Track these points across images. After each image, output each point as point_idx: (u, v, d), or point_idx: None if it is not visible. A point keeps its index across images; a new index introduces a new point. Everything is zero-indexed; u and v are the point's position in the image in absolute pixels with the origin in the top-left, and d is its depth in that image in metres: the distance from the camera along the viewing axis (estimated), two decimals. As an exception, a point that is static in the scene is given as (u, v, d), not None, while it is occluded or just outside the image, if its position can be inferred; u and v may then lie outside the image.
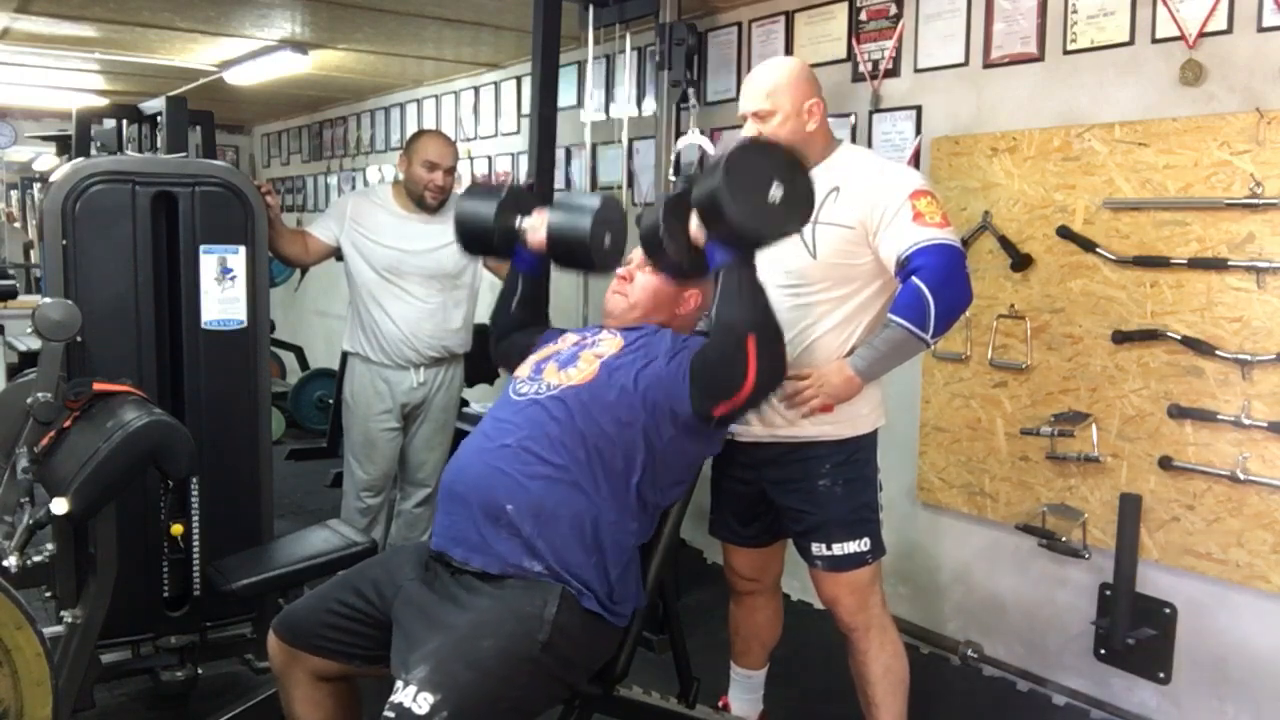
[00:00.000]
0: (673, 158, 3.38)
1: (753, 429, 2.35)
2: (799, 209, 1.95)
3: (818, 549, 2.32)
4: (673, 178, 3.40)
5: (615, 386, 1.97)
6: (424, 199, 3.31)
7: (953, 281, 2.15)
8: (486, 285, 3.70)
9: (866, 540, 2.33)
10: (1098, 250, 2.72)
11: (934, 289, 2.12)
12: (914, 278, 2.14)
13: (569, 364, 2.07)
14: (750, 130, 2.32)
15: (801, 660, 3.07)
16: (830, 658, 2.91)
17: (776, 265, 2.30)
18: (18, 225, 8.26)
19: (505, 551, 1.86)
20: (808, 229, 2.25)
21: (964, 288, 2.19)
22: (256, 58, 5.04)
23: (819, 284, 2.29)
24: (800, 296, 2.29)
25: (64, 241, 2.45)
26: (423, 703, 1.62)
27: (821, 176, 2.28)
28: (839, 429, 2.31)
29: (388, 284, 3.32)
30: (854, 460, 2.33)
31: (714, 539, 2.60)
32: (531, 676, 1.78)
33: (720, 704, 2.69)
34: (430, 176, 3.29)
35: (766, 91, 2.28)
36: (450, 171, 3.34)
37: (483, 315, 3.76)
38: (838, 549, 2.31)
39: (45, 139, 7.49)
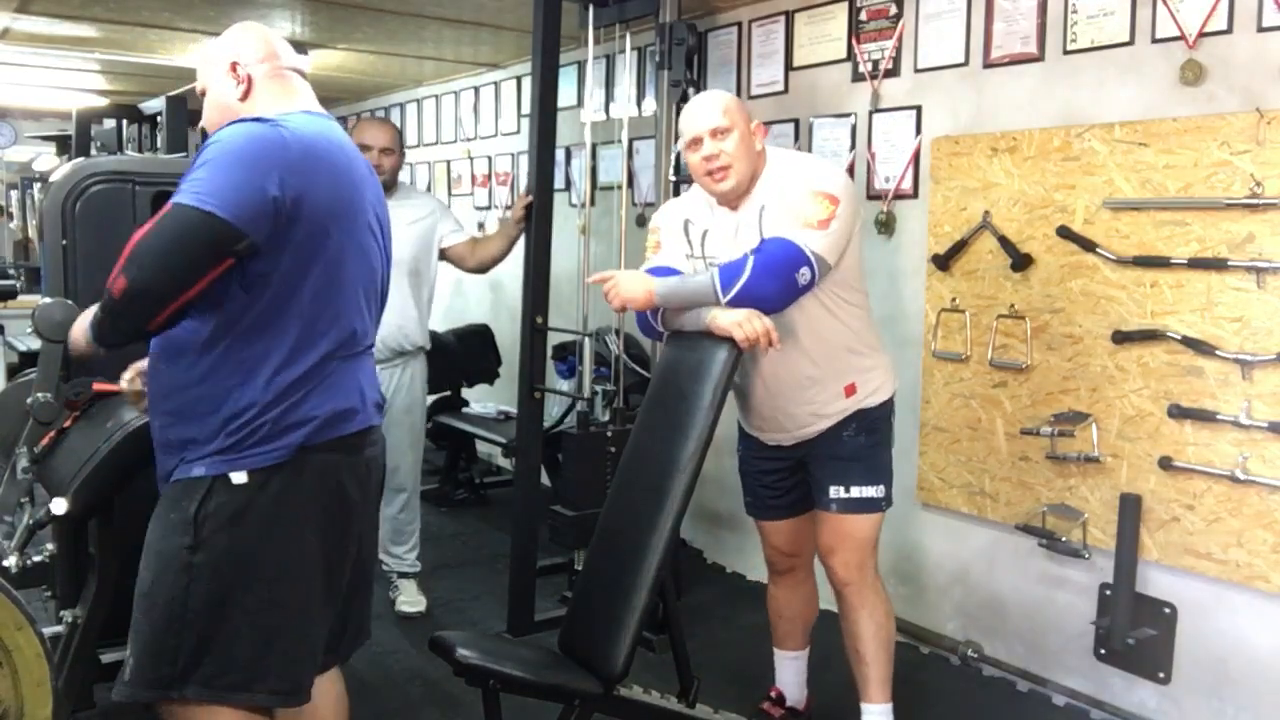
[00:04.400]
0: (673, 158, 3.38)
1: (790, 435, 2.49)
2: None
3: (835, 491, 2.44)
4: (673, 178, 3.40)
5: None
6: None
7: (770, 272, 2.20)
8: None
9: (882, 487, 2.47)
10: (1098, 250, 2.72)
11: (754, 268, 2.20)
12: (753, 253, 2.23)
13: None
14: (710, 148, 2.31)
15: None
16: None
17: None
18: (15, 225, 8.26)
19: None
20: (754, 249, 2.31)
21: (780, 284, 2.20)
22: (256, 58, 5.02)
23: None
24: (794, 317, 2.33)
25: (64, 241, 2.45)
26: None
27: (754, 201, 2.35)
28: (855, 404, 2.44)
29: None
30: (873, 422, 2.47)
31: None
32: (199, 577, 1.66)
33: (773, 693, 2.78)
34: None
35: (722, 109, 2.33)
36: (386, 152, 3.37)
37: (476, 313, 3.78)
38: (855, 491, 2.44)
39: (45, 139, 7.48)
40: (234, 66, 1.80)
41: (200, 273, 1.61)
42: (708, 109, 2.34)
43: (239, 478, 1.67)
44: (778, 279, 2.19)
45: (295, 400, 1.69)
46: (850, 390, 2.42)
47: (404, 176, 3.44)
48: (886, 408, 2.49)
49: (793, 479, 2.57)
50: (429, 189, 5.87)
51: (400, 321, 3.36)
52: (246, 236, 1.60)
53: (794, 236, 2.21)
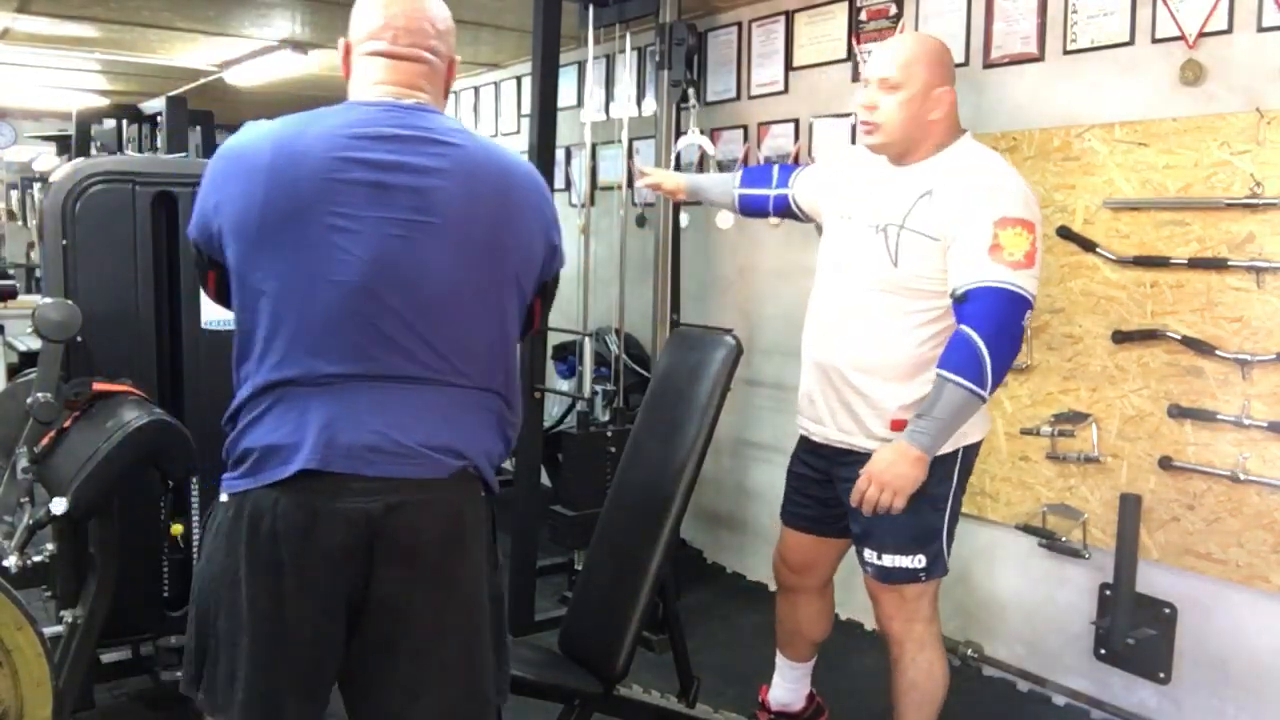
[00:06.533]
0: (673, 158, 3.38)
1: (826, 430, 2.30)
2: None
3: (869, 555, 2.25)
4: (673, 177, 3.40)
5: None
6: None
7: (1006, 333, 2.02)
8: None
9: (921, 558, 2.21)
10: (1098, 250, 2.72)
11: (988, 340, 1.98)
12: (965, 326, 2.01)
13: None
14: (868, 98, 2.14)
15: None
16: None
17: (859, 268, 2.21)
18: (32, 224, 8.28)
19: None
20: (892, 233, 2.12)
21: (1016, 341, 2.05)
22: (256, 58, 5.04)
23: (900, 295, 2.15)
24: (881, 305, 2.17)
25: (64, 241, 2.45)
26: None
27: (918, 175, 2.16)
28: None
29: None
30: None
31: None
32: None
33: (760, 698, 2.71)
34: None
35: (903, 61, 2.11)
36: None
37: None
38: (888, 560, 2.22)
39: (45, 139, 7.50)
40: (345, 47, 1.67)
41: (200, 271, 1.67)
42: (887, 55, 2.13)
43: (224, 498, 1.57)
44: (1014, 337, 2.03)
45: (242, 427, 1.56)
46: (896, 426, 2.15)
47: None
48: (943, 464, 2.15)
49: (821, 492, 2.39)
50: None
51: None
52: (197, 249, 1.62)
53: (1004, 280, 1.99)
